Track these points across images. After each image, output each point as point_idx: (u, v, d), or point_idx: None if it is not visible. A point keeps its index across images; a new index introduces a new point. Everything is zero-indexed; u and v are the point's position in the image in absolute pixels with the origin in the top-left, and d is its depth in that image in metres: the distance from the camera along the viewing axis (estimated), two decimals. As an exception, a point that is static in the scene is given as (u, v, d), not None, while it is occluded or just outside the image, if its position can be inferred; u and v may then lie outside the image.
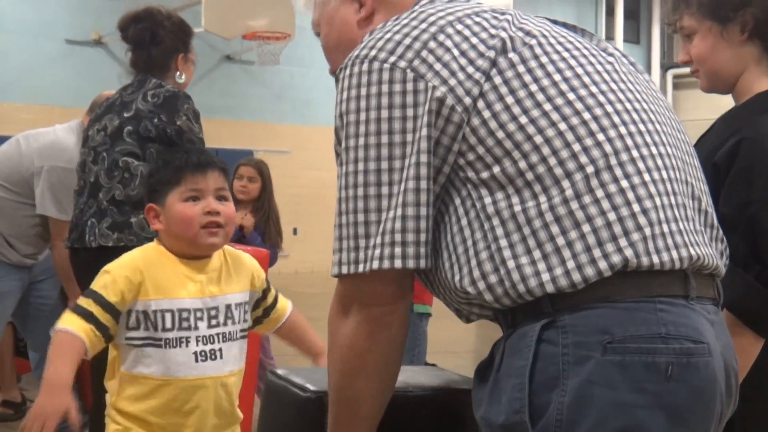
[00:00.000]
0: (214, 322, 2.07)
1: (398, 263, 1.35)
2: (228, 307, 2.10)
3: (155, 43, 3.47)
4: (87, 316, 1.96)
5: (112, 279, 2.00)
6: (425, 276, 1.45)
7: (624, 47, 20.04)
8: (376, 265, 1.35)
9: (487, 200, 1.35)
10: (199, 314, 2.05)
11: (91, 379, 3.55)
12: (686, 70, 2.00)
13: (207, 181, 2.06)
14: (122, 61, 3.57)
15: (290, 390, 1.67)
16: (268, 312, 2.28)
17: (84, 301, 1.99)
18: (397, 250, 1.35)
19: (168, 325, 2.01)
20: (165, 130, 3.28)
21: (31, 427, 1.84)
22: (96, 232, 3.28)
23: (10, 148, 4.40)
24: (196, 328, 2.04)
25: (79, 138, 4.16)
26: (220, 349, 2.07)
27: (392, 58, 1.38)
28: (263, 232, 4.87)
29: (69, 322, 1.95)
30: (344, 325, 1.43)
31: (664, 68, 20.73)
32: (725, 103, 2.08)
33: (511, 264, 1.32)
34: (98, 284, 2.01)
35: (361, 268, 1.37)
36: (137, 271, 2.02)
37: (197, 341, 2.04)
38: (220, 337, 2.07)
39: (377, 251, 1.35)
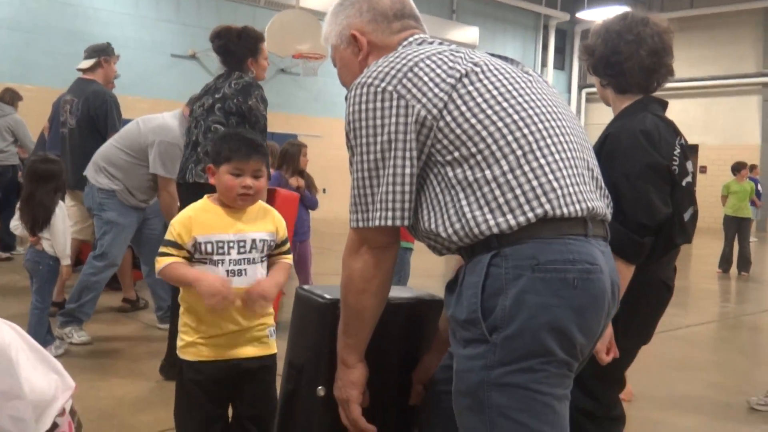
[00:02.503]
0: (242, 250, 2.06)
1: (389, 222, 1.39)
2: (253, 241, 2.07)
3: (229, 53, 3.54)
4: (169, 253, 2.02)
5: (172, 228, 2.04)
6: (412, 227, 1.47)
7: (553, 72, 19.90)
8: (377, 222, 1.39)
9: (450, 174, 1.36)
10: (231, 244, 2.04)
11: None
12: (595, 89, 2.24)
13: (248, 164, 2.05)
14: (209, 70, 3.55)
15: (313, 298, 1.67)
16: (273, 255, 2.20)
17: (163, 248, 2.03)
18: (389, 213, 1.39)
19: (209, 250, 2.02)
20: (241, 107, 3.37)
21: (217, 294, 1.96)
22: (193, 173, 3.40)
23: (132, 127, 4.39)
24: (229, 253, 2.04)
25: (180, 122, 4.16)
26: (245, 270, 2.06)
27: (383, 84, 1.40)
28: (308, 187, 5.18)
29: (167, 258, 2.01)
30: (356, 260, 1.45)
31: (580, 88, 20.48)
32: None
33: (468, 216, 1.33)
34: (167, 234, 2.05)
35: (369, 224, 1.41)
36: (187, 220, 2.04)
37: (229, 263, 2.04)
38: (246, 261, 2.06)
39: (377, 213, 1.39)
